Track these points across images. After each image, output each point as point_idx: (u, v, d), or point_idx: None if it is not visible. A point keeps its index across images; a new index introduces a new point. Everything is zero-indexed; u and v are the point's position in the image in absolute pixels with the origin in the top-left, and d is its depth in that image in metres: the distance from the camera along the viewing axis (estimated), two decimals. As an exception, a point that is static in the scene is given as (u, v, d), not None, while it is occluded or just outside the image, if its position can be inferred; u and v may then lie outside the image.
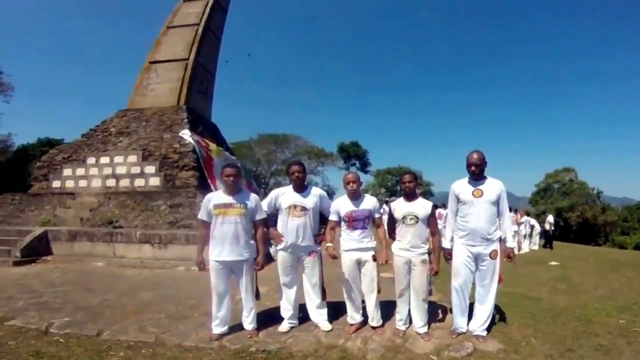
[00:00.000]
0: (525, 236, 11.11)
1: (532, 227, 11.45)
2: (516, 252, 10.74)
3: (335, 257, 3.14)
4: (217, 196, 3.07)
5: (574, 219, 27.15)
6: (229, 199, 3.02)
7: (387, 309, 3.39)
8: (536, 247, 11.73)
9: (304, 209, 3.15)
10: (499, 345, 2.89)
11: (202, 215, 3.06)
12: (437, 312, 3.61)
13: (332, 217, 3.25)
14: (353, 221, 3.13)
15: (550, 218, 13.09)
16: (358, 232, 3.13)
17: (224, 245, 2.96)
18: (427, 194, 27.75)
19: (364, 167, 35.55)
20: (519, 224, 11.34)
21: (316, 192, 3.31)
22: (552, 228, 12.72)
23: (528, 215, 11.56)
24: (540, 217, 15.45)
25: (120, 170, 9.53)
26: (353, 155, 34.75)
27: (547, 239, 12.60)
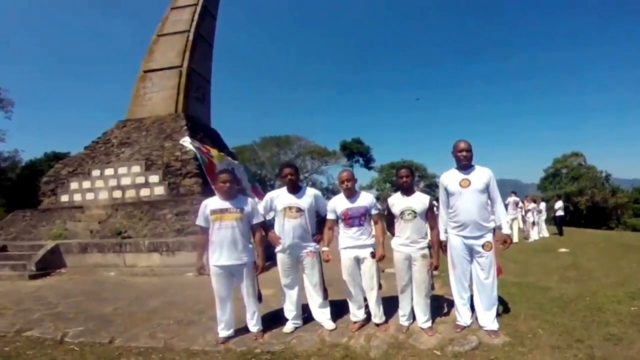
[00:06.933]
0: (533, 223, 10.94)
1: (539, 212, 11.27)
2: (527, 240, 10.54)
3: (328, 261, 3.18)
4: (214, 202, 3.11)
5: (583, 203, 26.64)
6: (225, 204, 3.06)
7: (391, 305, 3.39)
8: (546, 234, 11.54)
9: (299, 209, 3.18)
10: (504, 338, 2.86)
11: (199, 221, 3.11)
12: (442, 306, 3.59)
13: (330, 216, 3.27)
14: (349, 219, 3.14)
15: (559, 203, 12.90)
16: (354, 229, 3.14)
17: (223, 249, 3.00)
18: (432, 186, 27.55)
19: (368, 163, 35.40)
20: (525, 212, 11.17)
21: (311, 192, 3.33)
22: (562, 214, 12.50)
23: (535, 202, 11.38)
24: (548, 202, 15.19)
25: (125, 181, 9.68)
26: (356, 152, 34.62)
27: (557, 224, 12.40)
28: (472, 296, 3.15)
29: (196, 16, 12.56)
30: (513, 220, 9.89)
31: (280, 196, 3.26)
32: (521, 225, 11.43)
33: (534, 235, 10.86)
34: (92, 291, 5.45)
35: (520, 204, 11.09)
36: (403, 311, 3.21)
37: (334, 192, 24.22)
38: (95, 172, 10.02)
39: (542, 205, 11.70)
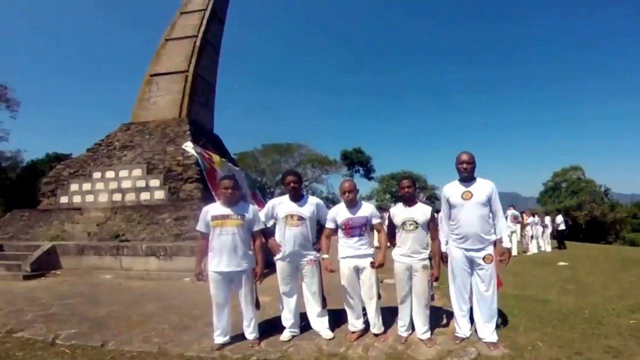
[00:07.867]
0: (532, 237, 10.92)
1: (544, 226, 11.25)
2: (526, 253, 10.50)
3: (333, 272, 3.17)
4: (215, 208, 3.12)
5: (582, 217, 26.66)
6: (226, 211, 3.06)
7: (390, 315, 3.37)
8: (549, 249, 11.46)
9: (300, 218, 3.18)
10: (504, 350, 2.84)
11: (200, 226, 3.11)
12: (441, 317, 3.57)
13: (329, 225, 3.27)
14: (350, 228, 3.14)
15: (559, 218, 12.89)
16: (355, 239, 3.14)
17: (222, 256, 2.99)
18: (432, 198, 27.56)
19: (368, 173, 35.44)
20: (524, 226, 11.15)
21: (313, 201, 3.35)
22: (563, 228, 12.52)
23: (534, 215, 11.38)
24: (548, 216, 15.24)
25: (126, 184, 9.69)
26: (357, 161, 34.72)
27: (558, 239, 12.38)
28: (471, 308, 3.13)
29: (204, 21, 12.80)
30: (512, 233, 9.89)
31: (282, 204, 3.27)
32: (519, 239, 11.45)
33: (532, 248, 10.83)
34: (87, 293, 5.39)
35: (519, 218, 11.08)
36: (402, 321, 3.18)
37: (334, 202, 24.20)
38: (96, 175, 10.04)
39: (547, 219, 11.70)
